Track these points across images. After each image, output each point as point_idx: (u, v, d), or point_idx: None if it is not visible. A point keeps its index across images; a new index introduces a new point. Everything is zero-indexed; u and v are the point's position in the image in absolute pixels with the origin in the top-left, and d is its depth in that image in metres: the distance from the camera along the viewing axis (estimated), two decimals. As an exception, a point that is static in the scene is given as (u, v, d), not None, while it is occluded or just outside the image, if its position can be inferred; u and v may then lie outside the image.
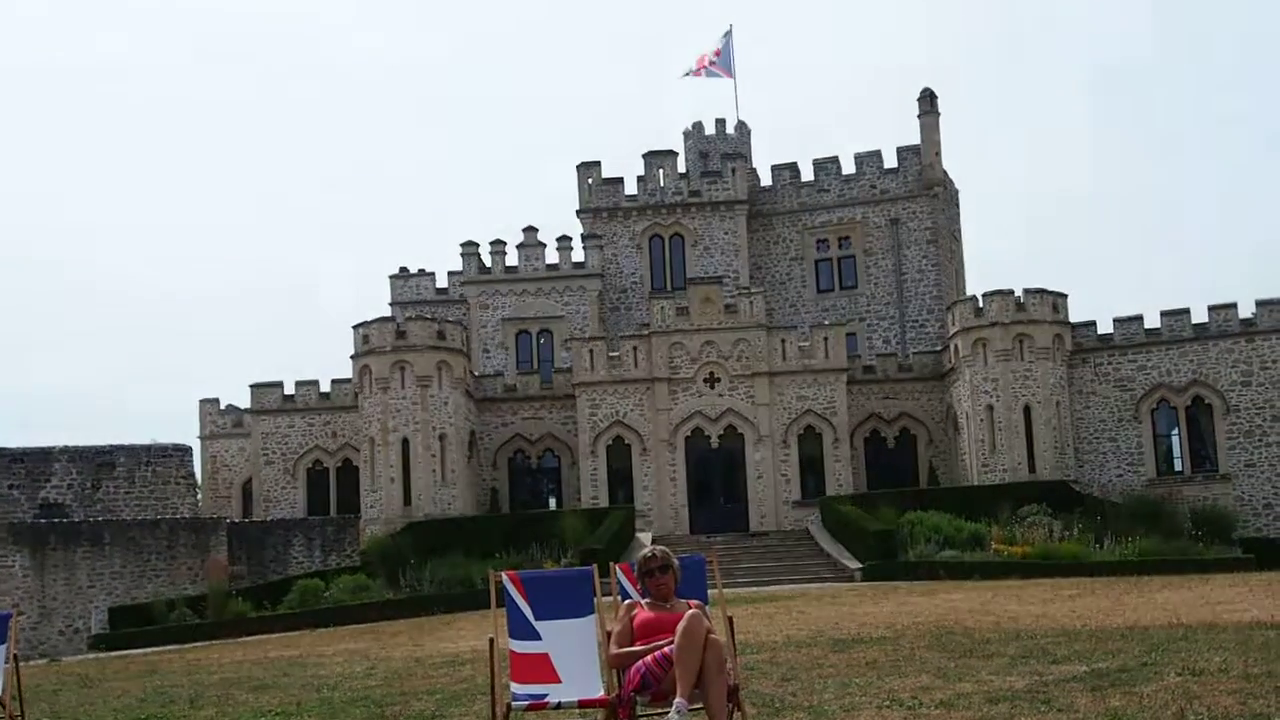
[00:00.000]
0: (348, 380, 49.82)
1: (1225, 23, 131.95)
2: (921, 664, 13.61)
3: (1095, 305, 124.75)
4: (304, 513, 49.19)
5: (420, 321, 47.48)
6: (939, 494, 43.35)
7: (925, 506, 40.08)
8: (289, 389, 51.34)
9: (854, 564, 36.62)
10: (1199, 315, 45.90)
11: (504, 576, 9.94)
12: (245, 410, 53.10)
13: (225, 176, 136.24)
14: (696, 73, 60.49)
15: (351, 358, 47.76)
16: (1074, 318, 47.03)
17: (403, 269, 59.96)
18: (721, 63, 60.49)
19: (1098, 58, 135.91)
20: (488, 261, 56.79)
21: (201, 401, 55.80)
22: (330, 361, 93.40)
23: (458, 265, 57.68)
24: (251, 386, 51.27)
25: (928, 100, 58.16)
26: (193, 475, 45.63)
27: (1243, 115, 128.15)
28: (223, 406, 55.74)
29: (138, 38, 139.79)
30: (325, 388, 51.41)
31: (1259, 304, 45.34)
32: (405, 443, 45.90)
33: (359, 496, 47.21)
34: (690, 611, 8.99)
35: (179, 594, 36.89)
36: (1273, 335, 44.87)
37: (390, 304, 58.79)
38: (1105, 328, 47.08)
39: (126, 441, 42.98)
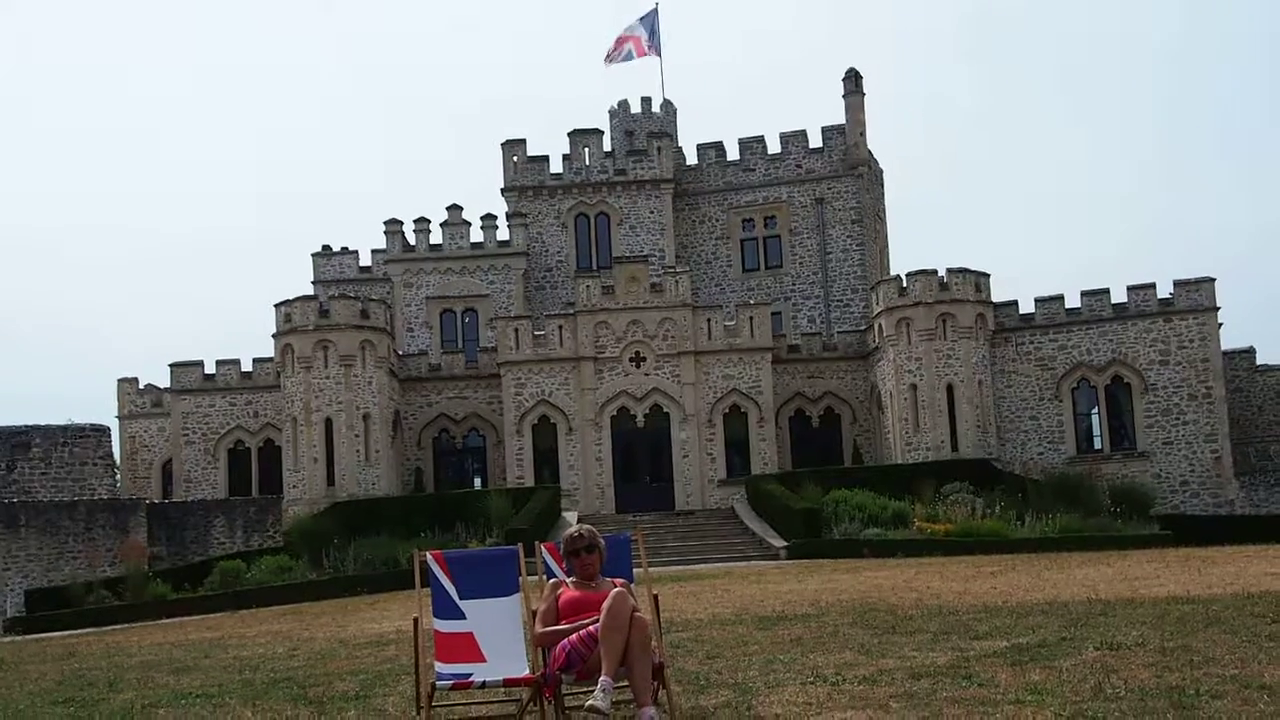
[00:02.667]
0: (270, 359, 49.23)
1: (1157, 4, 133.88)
2: (845, 640, 13.67)
3: (1017, 285, 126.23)
4: (225, 493, 48.65)
5: (343, 300, 47.04)
6: (863, 472, 43.64)
7: (850, 485, 40.32)
8: (209, 368, 50.68)
9: (779, 542, 36.81)
10: (1118, 295, 46.58)
11: (428, 556, 9.88)
12: (165, 389, 52.36)
13: (147, 151, 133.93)
14: (615, 49, 60.25)
15: (273, 336, 47.21)
16: (996, 297, 47.54)
17: (325, 247, 59.35)
18: (648, 41, 60.36)
19: (1024, 39, 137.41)
20: (412, 240, 56.40)
21: (120, 381, 54.95)
22: (252, 340, 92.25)
23: (381, 243, 57.24)
24: (171, 365, 50.54)
25: (853, 80, 58.48)
26: (111, 456, 44.88)
27: (1170, 92, 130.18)
28: (141, 386, 54.93)
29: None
30: (247, 367, 50.81)
31: (1177, 284, 46.06)
32: (328, 422, 45.50)
33: (281, 477, 46.70)
34: (615, 590, 8.96)
35: (97, 576, 36.29)
36: (1190, 315, 45.65)
37: (313, 282, 58.22)
38: (1027, 307, 47.65)
39: (43, 422, 42.22)
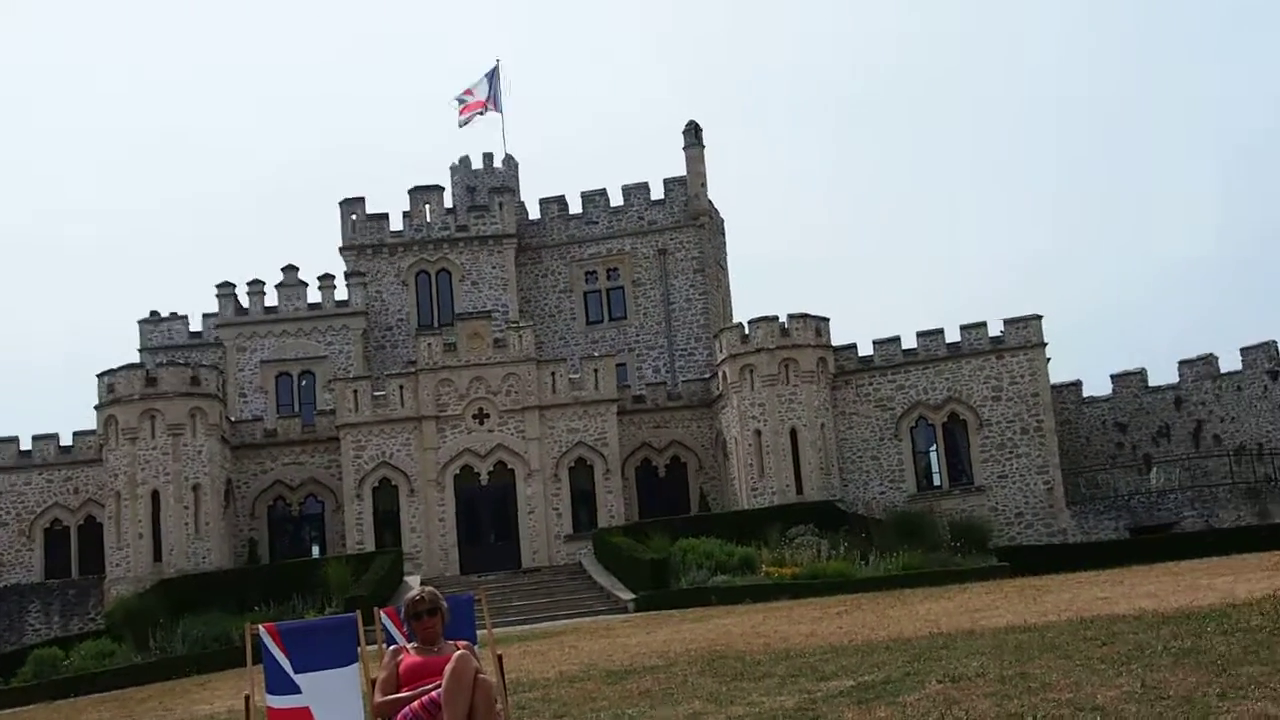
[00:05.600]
0: (92, 432, 47.29)
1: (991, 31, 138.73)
2: (694, 690, 13.54)
3: (856, 328, 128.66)
4: (41, 576, 46.50)
5: (172, 367, 45.60)
6: (710, 520, 43.72)
7: (697, 533, 40.33)
8: (25, 444, 48.33)
9: (627, 595, 36.56)
10: (952, 335, 47.54)
11: (260, 629, 9.49)
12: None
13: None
14: (464, 110, 60.18)
15: (96, 408, 45.36)
16: (836, 341, 48.13)
17: (153, 313, 57.56)
18: (488, 98, 60.28)
19: (865, 90, 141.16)
20: (245, 302, 55.09)
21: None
22: (72, 413, 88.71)
23: (213, 307, 55.73)
24: (-19, 442, 48.12)
25: (693, 133, 59.04)
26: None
27: (991, 132, 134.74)
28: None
29: None
30: (66, 441, 48.60)
31: (1007, 322, 47.23)
32: (155, 495, 43.73)
33: (104, 556, 44.63)
34: (458, 653, 8.71)
35: (-102, 671, 34.30)
36: (1020, 352, 46.85)
37: (140, 350, 56.29)
38: (866, 350, 48.23)
39: None
